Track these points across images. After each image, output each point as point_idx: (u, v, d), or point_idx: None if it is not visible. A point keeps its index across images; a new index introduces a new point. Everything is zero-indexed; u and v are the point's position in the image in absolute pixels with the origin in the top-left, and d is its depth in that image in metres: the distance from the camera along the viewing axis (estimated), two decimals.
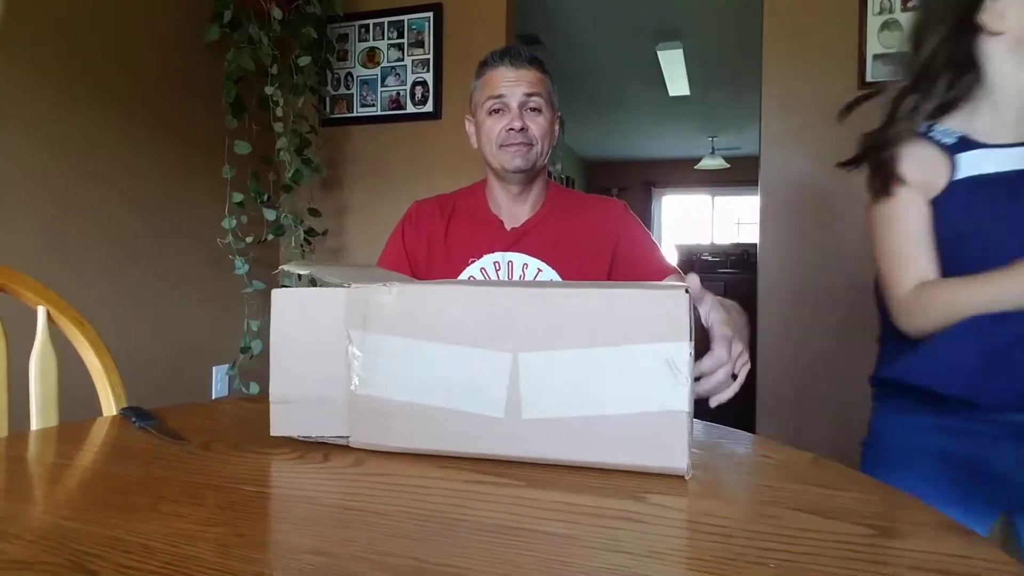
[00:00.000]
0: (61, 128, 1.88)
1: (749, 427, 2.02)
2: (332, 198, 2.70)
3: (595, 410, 0.56)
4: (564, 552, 0.42)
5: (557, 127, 1.21)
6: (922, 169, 0.89)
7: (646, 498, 0.52)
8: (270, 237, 2.39)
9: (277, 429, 0.65)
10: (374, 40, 2.64)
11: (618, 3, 3.70)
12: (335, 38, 2.63)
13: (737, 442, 0.70)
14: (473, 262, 1.17)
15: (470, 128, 1.24)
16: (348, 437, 0.63)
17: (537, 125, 1.15)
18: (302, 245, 2.46)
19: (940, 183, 0.88)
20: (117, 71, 2.04)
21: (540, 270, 1.15)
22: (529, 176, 1.18)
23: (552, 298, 0.57)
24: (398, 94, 2.60)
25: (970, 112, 0.91)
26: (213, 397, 2.43)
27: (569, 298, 0.57)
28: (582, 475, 0.57)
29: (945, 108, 0.91)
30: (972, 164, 0.87)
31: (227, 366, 2.43)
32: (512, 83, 1.14)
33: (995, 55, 0.88)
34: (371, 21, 2.63)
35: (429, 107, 2.56)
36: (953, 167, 0.88)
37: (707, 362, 0.69)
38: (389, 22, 2.61)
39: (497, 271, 1.16)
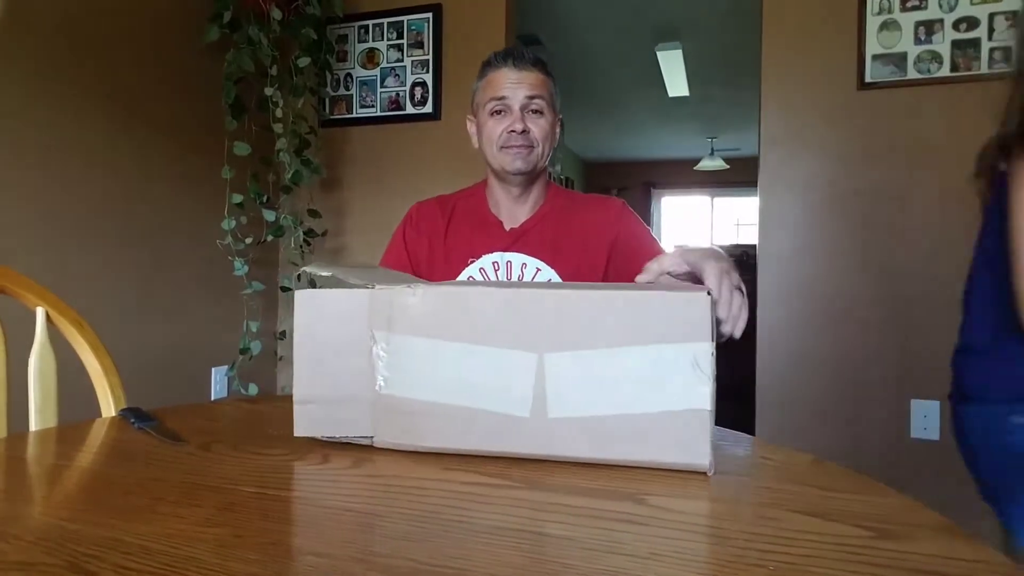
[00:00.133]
0: (60, 129, 1.88)
1: (748, 428, 2.02)
2: (332, 199, 2.70)
3: (619, 409, 0.57)
4: (563, 554, 0.42)
5: (558, 129, 1.21)
6: None
7: (646, 500, 0.52)
8: (269, 238, 2.39)
9: (300, 430, 0.65)
10: (373, 41, 2.64)
11: (618, 4, 3.70)
12: (335, 39, 2.63)
13: (736, 444, 0.70)
14: (472, 262, 1.17)
15: (471, 128, 1.24)
16: (372, 437, 0.64)
17: (538, 127, 1.15)
18: (301, 246, 2.46)
19: None
20: (116, 72, 2.04)
21: (539, 269, 1.15)
22: (529, 178, 1.19)
23: (577, 299, 0.58)
24: (397, 95, 2.60)
25: None
26: (212, 398, 2.43)
27: (593, 299, 0.58)
28: (582, 476, 0.57)
29: None
30: None
31: (226, 367, 2.43)
32: (514, 85, 1.14)
33: None
34: (370, 22, 2.63)
35: (429, 108, 2.56)
36: None
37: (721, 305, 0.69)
38: (389, 23, 2.61)
39: (496, 271, 1.16)
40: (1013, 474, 0.91)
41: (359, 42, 2.66)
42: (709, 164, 7.41)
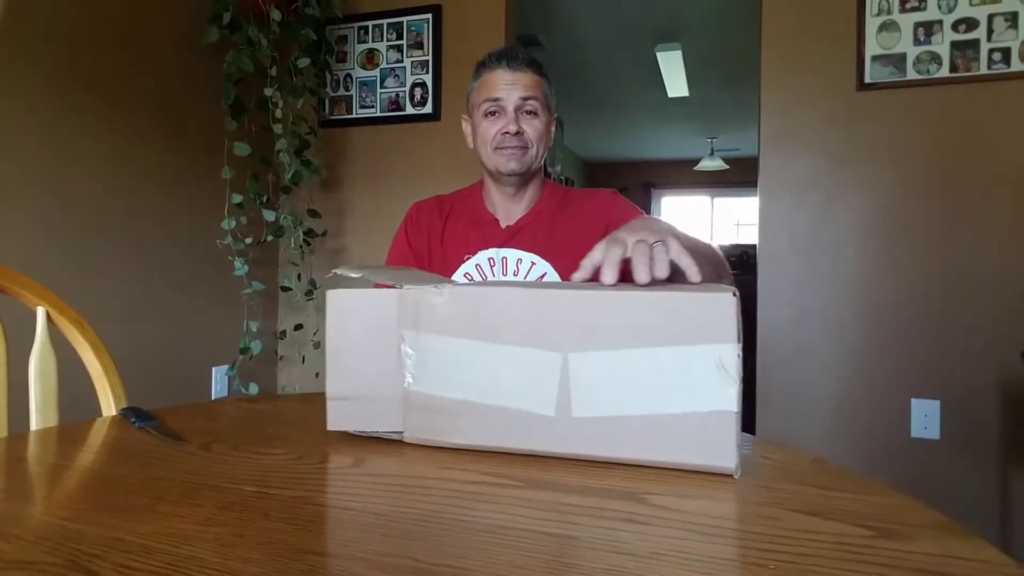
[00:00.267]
0: (60, 129, 1.88)
1: (749, 428, 2.01)
2: (331, 199, 2.70)
3: (644, 409, 0.57)
4: (564, 553, 0.42)
5: (553, 129, 1.21)
6: None
7: (647, 499, 0.52)
8: (269, 238, 2.39)
9: (334, 424, 0.67)
10: (373, 42, 2.64)
11: (617, 4, 3.71)
12: (334, 40, 2.63)
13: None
14: (468, 259, 1.18)
15: (466, 128, 1.25)
16: (402, 432, 0.65)
17: (533, 128, 1.15)
18: (301, 246, 2.46)
19: None
20: (116, 72, 2.04)
21: (534, 263, 1.15)
22: (524, 178, 1.19)
23: (601, 299, 0.59)
24: (397, 95, 2.61)
25: None
26: (212, 398, 2.43)
27: (618, 299, 0.58)
28: (583, 475, 0.57)
29: None
30: None
31: (226, 367, 2.43)
32: (509, 86, 1.14)
33: None
34: (370, 23, 2.63)
35: (428, 108, 2.56)
36: None
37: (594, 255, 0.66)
38: (388, 24, 2.61)
39: (492, 267, 1.17)
40: None
41: (359, 43, 2.66)
42: (709, 164, 7.42)
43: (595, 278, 0.67)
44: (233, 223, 2.24)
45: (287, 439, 0.70)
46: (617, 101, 6.00)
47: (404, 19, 2.58)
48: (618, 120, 6.77)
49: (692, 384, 0.55)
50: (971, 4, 1.98)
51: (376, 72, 2.63)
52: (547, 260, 1.15)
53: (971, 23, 1.98)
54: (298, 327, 2.57)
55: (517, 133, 1.14)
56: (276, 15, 2.25)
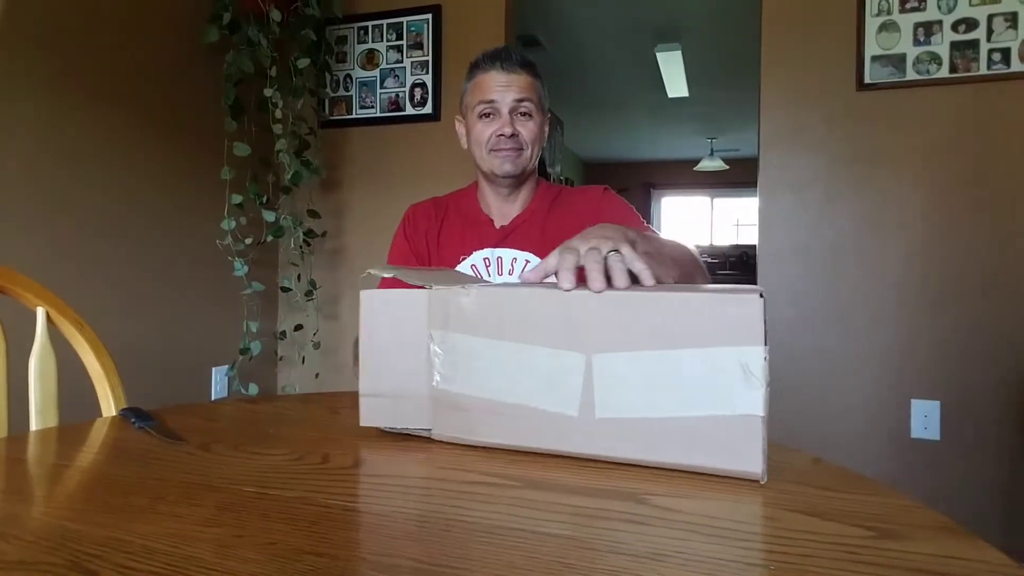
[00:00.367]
0: (60, 129, 1.88)
1: None
2: (331, 200, 2.70)
3: (668, 412, 0.57)
4: (564, 553, 0.42)
5: (547, 129, 1.21)
6: None
7: (647, 500, 0.52)
8: (269, 239, 2.39)
9: (366, 420, 0.69)
10: (373, 42, 2.64)
11: (617, 4, 3.71)
12: (334, 40, 2.63)
13: None
14: (463, 259, 1.18)
15: (460, 129, 1.25)
16: (431, 429, 0.66)
17: (527, 130, 1.15)
18: (301, 247, 2.46)
19: None
20: (116, 72, 2.04)
21: (528, 262, 1.16)
22: (519, 180, 1.20)
23: (627, 301, 0.59)
24: (397, 96, 2.61)
25: None
26: (212, 398, 2.43)
27: (644, 301, 0.58)
28: (583, 476, 0.57)
29: None
30: None
31: (226, 367, 2.43)
32: (503, 88, 1.14)
33: None
34: (370, 23, 2.63)
35: (428, 109, 2.56)
36: None
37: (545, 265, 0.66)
38: (388, 24, 2.61)
39: (487, 267, 1.18)
40: None
41: (358, 43, 2.66)
42: (709, 165, 7.42)
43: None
44: (233, 223, 2.24)
45: (287, 440, 0.70)
46: (617, 101, 6.00)
47: (404, 19, 2.58)
48: (618, 120, 6.77)
49: (717, 387, 0.55)
50: (971, 4, 1.98)
51: (376, 72, 2.63)
52: (541, 259, 1.15)
53: (971, 23, 1.98)
54: (298, 328, 2.57)
55: (512, 135, 1.14)
56: (276, 15, 2.25)
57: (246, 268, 2.29)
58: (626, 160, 9.05)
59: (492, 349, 0.62)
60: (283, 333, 2.62)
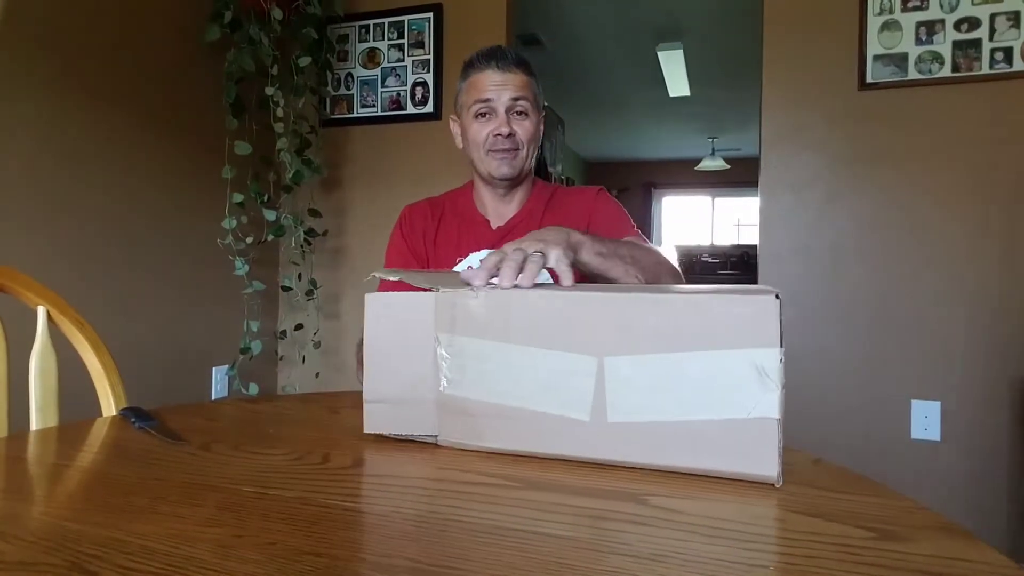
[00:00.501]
0: (61, 128, 1.88)
1: None
2: (332, 199, 2.70)
3: (682, 415, 0.56)
4: (564, 554, 0.42)
5: (543, 127, 1.21)
6: None
7: (648, 500, 0.52)
8: (270, 238, 2.39)
9: (370, 427, 0.67)
10: (374, 41, 2.64)
11: (618, 3, 3.70)
12: (335, 39, 2.63)
13: None
14: (459, 261, 1.18)
15: (455, 128, 1.24)
16: (437, 436, 0.65)
17: (524, 129, 1.15)
18: (302, 246, 2.46)
19: None
20: (117, 71, 2.04)
21: None
22: (515, 181, 1.19)
23: (639, 302, 0.58)
24: (398, 95, 2.60)
25: None
26: (213, 398, 2.43)
27: (656, 303, 0.57)
28: (583, 476, 0.57)
29: None
30: None
31: (227, 367, 2.43)
32: (499, 87, 1.13)
33: None
34: (371, 22, 2.63)
35: (429, 107, 2.56)
36: None
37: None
38: (389, 23, 2.61)
39: None
40: None
41: (360, 42, 2.66)
42: (710, 164, 7.42)
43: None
44: (234, 222, 2.24)
45: (287, 439, 0.70)
46: (618, 101, 6.00)
47: (405, 18, 2.58)
48: (619, 120, 6.77)
49: (732, 389, 0.54)
50: (973, 3, 1.98)
51: (377, 71, 2.63)
52: None
53: (973, 22, 1.98)
54: (298, 327, 2.57)
55: (509, 135, 1.13)
56: (277, 14, 2.25)
57: (247, 267, 2.29)
58: (627, 159, 9.04)
59: (501, 352, 0.61)
60: (283, 332, 2.62)
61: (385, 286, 1.08)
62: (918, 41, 2.03)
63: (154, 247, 2.18)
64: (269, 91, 2.27)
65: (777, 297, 0.53)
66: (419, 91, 2.57)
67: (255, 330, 2.34)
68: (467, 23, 2.51)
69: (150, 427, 0.71)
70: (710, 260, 7.77)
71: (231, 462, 0.61)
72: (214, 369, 2.45)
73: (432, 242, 1.22)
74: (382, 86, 2.62)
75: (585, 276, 0.85)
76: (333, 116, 2.70)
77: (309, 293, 2.49)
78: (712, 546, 0.44)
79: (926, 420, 2.02)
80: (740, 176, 7.78)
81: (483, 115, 1.15)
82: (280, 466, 0.60)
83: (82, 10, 1.92)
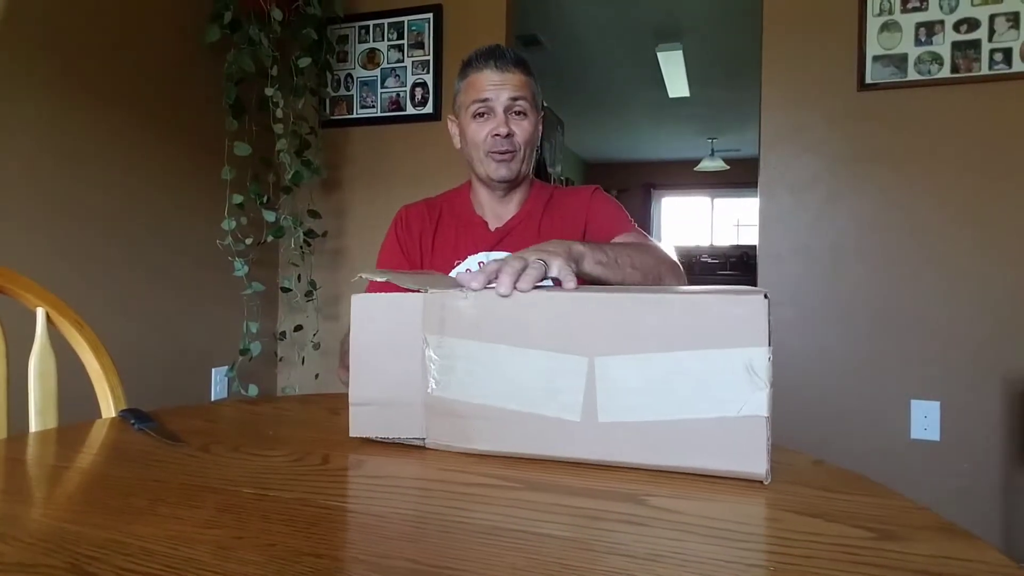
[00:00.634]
0: (60, 129, 1.88)
1: None
2: (332, 200, 2.70)
3: (672, 414, 0.56)
4: (563, 555, 0.42)
5: (541, 127, 1.20)
6: None
7: (647, 501, 0.52)
8: (270, 239, 2.39)
9: (356, 430, 0.66)
10: (374, 41, 2.64)
11: (618, 4, 3.70)
12: (335, 39, 2.63)
13: None
14: (458, 263, 1.17)
15: (453, 129, 1.23)
16: (424, 439, 0.64)
17: (522, 130, 1.14)
18: (302, 247, 2.46)
19: None
20: (117, 72, 2.04)
21: None
22: (514, 183, 1.19)
23: (629, 302, 0.58)
24: (398, 95, 2.61)
25: None
26: (212, 399, 2.43)
27: (646, 302, 0.58)
28: (582, 477, 0.57)
29: None
30: None
31: (226, 368, 2.43)
32: (497, 86, 1.12)
33: None
34: (371, 22, 2.63)
35: (429, 108, 2.56)
36: None
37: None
38: (389, 23, 2.61)
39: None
40: None
41: (359, 42, 2.66)
42: (709, 165, 7.42)
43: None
44: (233, 223, 2.24)
45: (286, 441, 0.70)
46: (617, 101, 6.00)
47: (405, 19, 2.58)
48: (618, 120, 6.77)
49: (721, 388, 0.54)
50: (972, 4, 1.98)
51: (377, 72, 2.63)
52: None
53: (972, 23, 1.98)
54: (298, 328, 2.57)
55: (508, 136, 1.12)
56: (277, 14, 2.25)
57: (246, 268, 2.29)
58: (626, 160, 9.04)
59: (491, 353, 0.61)
60: (283, 334, 2.62)
61: (374, 287, 1.07)
62: (917, 42, 2.03)
63: (154, 248, 2.18)
64: (269, 92, 2.27)
65: (766, 297, 0.54)
66: (419, 92, 2.57)
67: (254, 331, 2.34)
68: (467, 24, 2.51)
69: (149, 428, 0.71)
70: (709, 261, 7.77)
71: (231, 463, 0.61)
72: (213, 370, 2.45)
73: (429, 244, 1.21)
74: (382, 87, 2.62)
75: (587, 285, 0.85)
76: (333, 117, 2.70)
77: (308, 294, 2.49)
78: (710, 546, 0.44)
79: (926, 420, 2.02)
80: (739, 177, 7.78)
81: (481, 115, 1.14)
82: (280, 467, 0.60)
83: (82, 10, 1.92)
